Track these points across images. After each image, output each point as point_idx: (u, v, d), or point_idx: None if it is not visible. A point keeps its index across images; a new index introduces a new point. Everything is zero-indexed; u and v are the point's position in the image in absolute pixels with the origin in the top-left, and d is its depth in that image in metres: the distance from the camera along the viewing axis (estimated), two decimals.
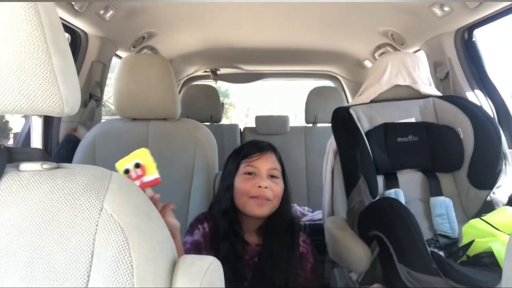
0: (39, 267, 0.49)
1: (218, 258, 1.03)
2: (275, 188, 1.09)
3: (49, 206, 0.51)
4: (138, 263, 0.50)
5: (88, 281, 0.49)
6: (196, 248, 1.09)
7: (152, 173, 0.93)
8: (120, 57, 2.09)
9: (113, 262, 0.49)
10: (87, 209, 0.51)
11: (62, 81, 0.56)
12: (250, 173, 1.09)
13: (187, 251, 1.08)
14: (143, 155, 0.94)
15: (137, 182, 0.93)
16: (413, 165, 1.48)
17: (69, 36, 1.73)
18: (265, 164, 1.10)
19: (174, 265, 0.55)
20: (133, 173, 0.93)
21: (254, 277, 1.06)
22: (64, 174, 0.55)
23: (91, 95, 1.86)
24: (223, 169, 1.21)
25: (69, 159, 1.51)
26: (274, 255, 1.07)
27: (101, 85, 1.94)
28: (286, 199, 1.14)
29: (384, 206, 1.10)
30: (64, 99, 0.56)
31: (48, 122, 1.67)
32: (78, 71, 1.78)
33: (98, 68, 1.87)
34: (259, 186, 1.06)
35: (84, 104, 1.84)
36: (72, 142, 1.66)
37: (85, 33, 1.74)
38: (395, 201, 1.07)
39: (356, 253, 1.14)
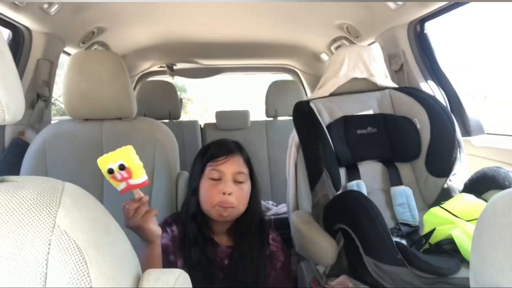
0: None
1: (188, 262, 0.99)
2: (240, 194, 1.05)
3: None
4: (98, 283, 0.46)
5: None
6: (164, 252, 1.05)
7: (140, 176, 0.88)
8: (68, 54, 1.97)
9: (70, 284, 0.45)
10: (38, 227, 0.46)
11: (1, 86, 0.50)
12: (215, 178, 1.05)
13: None
14: (126, 156, 0.87)
15: (123, 184, 0.88)
16: (373, 156, 1.51)
17: (10, 33, 1.60)
18: (231, 167, 1.06)
19: (138, 281, 0.51)
20: (117, 174, 0.86)
21: (225, 278, 1.04)
22: (8, 188, 0.49)
23: (39, 95, 1.73)
24: (191, 170, 1.16)
25: (17, 165, 1.40)
26: (244, 256, 1.05)
27: (49, 84, 1.81)
28: (254, 200, 1.11)
29: (348, 199, 1.11)
30: (5, 105, 0.50)
31: None
32: (23, 70, 1.65)
33: (44, 67, 1.74)
34: (223, 193, 1.03)
35: (31, 105, 1.71)
36: (19, 147, 1.54)
37: (28, 29, 1.61)
38: (359, 194, 1.09)
39: (323, 246, 1.15)
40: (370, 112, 1.55)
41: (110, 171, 0.86)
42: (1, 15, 1.42)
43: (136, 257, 0.56)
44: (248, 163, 1.12)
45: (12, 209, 0.47)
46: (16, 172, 1.38)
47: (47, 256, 0.45)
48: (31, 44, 1.65)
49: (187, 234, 1.06)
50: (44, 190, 0.50)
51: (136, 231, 0.89)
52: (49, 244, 0.46)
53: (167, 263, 1.01)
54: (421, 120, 1.46)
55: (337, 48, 2.35)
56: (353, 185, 1.41)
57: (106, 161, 0.87)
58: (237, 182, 1.06)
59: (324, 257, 1.15)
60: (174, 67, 3.02)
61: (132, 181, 0.87)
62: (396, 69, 1.93)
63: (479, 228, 0.56)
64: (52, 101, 1.96)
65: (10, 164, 1.48)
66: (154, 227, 0.90)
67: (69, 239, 0.46)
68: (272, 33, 2.37)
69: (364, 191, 1.40)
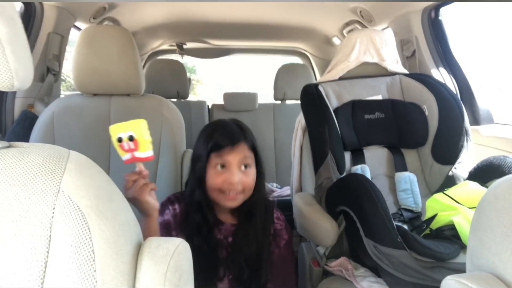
0: None
1: (187, 241, 1.01)
2: (246, 180, 1.04)
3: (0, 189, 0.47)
4: (100, 247, 0.47)
5: (45, 268, 0.46)
6: (165, 228, 1.07)
7: (146, 150, 0.90)
8: (79, 29, 1.97)
9: (73, 247, 0.46)
10: (43, 191, 0.47)
11: (10, 52, 0.50)
12: (221, 165, 1.04)
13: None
14: (137, 128, 0.90)
15: (128, 155, 0.90)
16: (379, 141, 1.50)
17: (22, 6, 1.60)
18: (237, 156, 1.03)
19: (139, 248, 0.53)
20: (125, 144, 0.90)
21: (229, 256, 1.05)
22: (16, 154, 0.51)
23: (49, 69, 1.75)
24: (192, 154, 1.14)
25: (25, 137, 1.42)
26: (248, 234, 1.05)
27: (59, 58, 1.82)
28: (260, 184, 1.10)
29: (351, 182, 1.11)
30: (14, 72, 0.51)
31: (1, 98, 1.56)
32: (34, 43, 1.66)
33: (55, 40, 1.75)
34: (230, 183, 1.02)
35: (41, 78, 1.73)
36: (28, 119, 1.57)
37: (40, 3, 1.62)
38: (361, 177, 1.09)
39: (324, 228, 1.16)
40: (379, 97, 1.54)
41: (119, 140, 0.89)
42: None
43: (138, 226, 0.57)
44: (253, 148, 1.10)
45: (19, 173, 0.48)
46: None
47: (51, 220, 0.47)
48: (42, 18, 1.65)
49: (190, 222, 1.06)
50: (50, 156, 0.51)
51: (133, 203, 0.91)
52: (54, 209, 0.47)
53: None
54: (430, 107, 1.45)
55: (349, 32, 2.31)
56: (358, 169, 1.41)
57: (118, 130, 0.90)
58: (243, 168, 1.05)
59: (324, 239, 1.16)
60: (184, 46, 3.01)
61: (137, 154, 0.90)
62: (408, 55, 1.90)
63: (479, 211, 0.57)
64: (62, 77, 1.97)
65: (19, 136, 1.50)
66: (151, 200, 0.92)
67: (73, 205, 0.48)
68: (284, 15, 2.34)
69: (368, 175, 1.40)
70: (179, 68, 2.67)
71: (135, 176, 0.91)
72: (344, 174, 1.37)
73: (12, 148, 0.53)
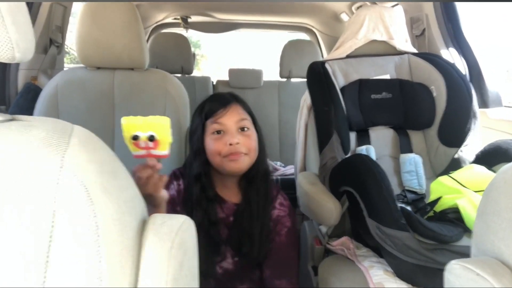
0: None
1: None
2: (248, 142, 1.03)
3: (2, 163, 0.46)
4: (104, 223, 0.47)
5: (50, 243, 0.46)
6: (170, 204, 1.04)
7: (165, 149, 0.82)
8: (82, 0, 1.93)
9: (77, 223, 0.46)
10: (46, 166, 0.47)
11: (11, 23, 0.49)
12: (218, 132, 1.03)
13: None
14: (163, 130, 0.81)
15: (143, 152, 0.83)
16: (385, 122, 1.48)
17: None
18: (232, 117, 1.02)
19: (143, 225, 0.53)
20: (142, 143, 0.81)
21: (230, 235, 1.05)
22: (19, 127, 0.50)
23: (52, 41, 1.72)
24: (189, 131, 1.13)
25: (29, 110, 1.41)
26: (250, 213, 1.04)
27: (62, 30, 1.80)
28: (261, 147, 1.09)
29: (355, 163, 1.11)
30: (15, 43, 0.50)
31: (5, 70, 1.54)
32: (36, 14, 1.63)
33: (58, 11, 1.72)
34: (230, 144, 1.00)
35: (44, 50, 1.70)
36: (32, 91, 1.56)
37: None
38: (366, 158, 1.08)
39: (327, 207, 1.16)
40: (387, 76, 1.51)
41: (135, 138, 0.80)
42: None
43: (143, 202, 0.57)
44: (249, 111, 1.09)
45: (21, 147, 0.48)
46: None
47: (55, 194, 0.46)
48: None
49: (189, 195, 1.05)
50: (53, 130, 0.50)
51: (146, 198, 0.87)
52: (57, 184, 0.46)
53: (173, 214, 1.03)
54: (438, 88, 1.42)
55: (358, 8, 2.26)
56: (363, 149, 1.40)
57: (134, 126, 0.81)
58: (242, 130, 1.03)
59: (327, 218, 1.16)
60: (189, 20, 2.95)
61: (154, 152, 0.82)
62: (418, 33, 1.86)
63: (486, 196, 0.56)
64: (66, 49, 1.94)
65: (22, 108, 1.50)
66: (163, 193, 0.88)
67: (77, 180, 0.47)
68: None
69: (373, 156, 1.40)
70: (184, 43, 2.62)
71: (149, 172, 0.83)
72: (349, 155, 1.36)
73: (15, 121, 0.52)
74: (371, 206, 0.99)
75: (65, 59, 1.96)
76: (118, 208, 0.49)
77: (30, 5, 1.59)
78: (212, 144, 1.03)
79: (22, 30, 0.51)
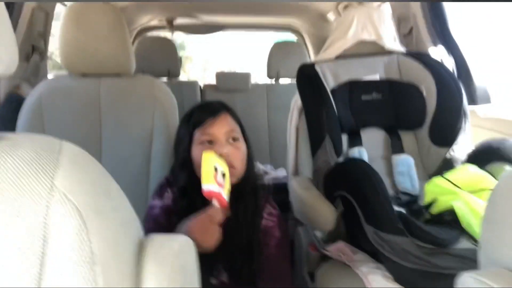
0: None
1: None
2: (237, 153, 0.98)
3: None
4: (99, 248, 0.44)
5: (41, 270, 0.43)
6: (166, 214, 1.00)
7: (227, 195, 0.86)
8: (65, 5, 1.88)
9: (71, 249, 0.43)
10: (35, 188, 0.43)
11: None
12: (209, 142, 0.97)
13: (156, 216, 1.00)
14: (227, 178, 0.88)
15: (215, 187, 0.84)
16: (376, 123, 1.48)
17: None
18: (221, 128, 0.98)
19: (140, 247, 0.50)
20: (218, 177, 0.85)
21: (221, 251, 1.00)
22: (4, 147, 0.46)
23: (34, 48, 1.67)
24: (175, 140, 1.09)
25: (12, 121, 1.36)
26: (240, 224, 0.99)
27: (44, 36, 1.74)
28: (249, 160, 1.04)
29: (351, 168, 1.10)
30: None
31: None
32: (17, 20, 1.58)
33: (39, 17, 1.66)
34: (220, 155, 0.94)
35: (26, 58, 1.65)
36: (15, 102, 1.50)
37: None
38: (362, 163, 1.07)
39: (322, 213, 1.14)
40: (376, 77, 1.51)
41: (215, 169, 0.85)
42: None
43: (138, 222, 0.54)
44: (238, 121, 1.04)
45: (8, 169, 0.44)
46: (12, 127, 1.35)
47: (45, 219, 0.43)
48: None
49: (177, 208, 0.99)
50: (41, 149, 0.47)
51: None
52: (47, 207, 0.43)
53: (169, 225, 0.95)
54: (428, 87, 1.42)
55: (344, 8, 2.25)
56: (355, 151, 1.39)
57: (215, 160, 0.87)
58: (231, 141, 0.99)
59: (323, 223, 1.15)
60: (174, 22, 2.91)
61: (223, 193, 0.84)
62: (405, 32, 1.86)
63: (491, 203, 0.55)
64: (48, 55, 1.89)
65: (5, 119, 1.44)
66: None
67: (69, 202, 0.44)
68: None
69: (366, 158, 1.39)
70: (170, 46, 2.59)
71: (219, 217, 0.84)
72: (341, 157, 1.35)
73: (0, 141, 0.48)
74: (368, 212, 0.98)
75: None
76: (113, 231, 0.46)
77: (10, 11, 1.53)
78: (199, 156, 0.95)
79: (4, 42, 0.47)
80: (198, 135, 0.99)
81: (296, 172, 1.50)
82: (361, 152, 1.40)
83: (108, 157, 1.33)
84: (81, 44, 1.31)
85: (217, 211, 0.84)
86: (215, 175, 0.84)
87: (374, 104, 1.46)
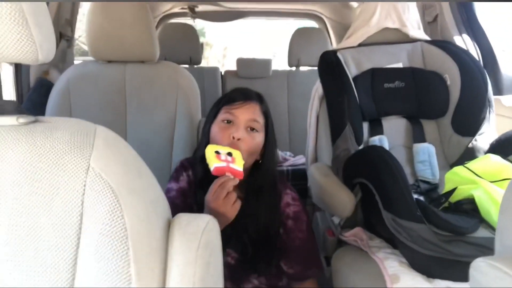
0: (23, 231, 0.46)
1: (197, 206, 0.98)
2: (250, 142, 0.99)
3: (29, 166, 0.47)
4: (132, 224, 0.47)
5: (78, 244, 0.46)
6: (182, 195, 1.04)
7: (239, 166, 0.92)
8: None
9: (106, 224, 0.46)
10: (73, 168, 0.47)
11: (34, 24, 0.49)
12: (228, 121, 1.01)
13: (173, 198, 1.03)
14: (236, 153, 0.94)
15: (223, 163, 0.90)
16: (398, 111, 1.47)
17: None
18: (246, 114, 1.00)
19: (168, 225, 0.53)
20: (222, 156, 0.91)
21: (234, 233, 0.99)
22: (43, 129, 0.50)
23: (61, 35, 1.72)
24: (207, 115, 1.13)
25: (42, 105, 1.42)
26: (255, 211, 1.01)
27: (71, 23, 1.79)
28: (269, 154, 1.06)
29: (371, 155, 1.10)
30: (38, 45, 0.50)
31: (17, 65, 1.55)
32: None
33: (67, 5, 1.71)
34: (233, 138, 0.97)
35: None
36: (44, 86, 1.56)
37: None
38: (382, 150, 1.07)
39: (341, 199, 1.16)
40: (399, 65, 1.49)
41: (217, 152, 0.92)
42: None
43: (166, 202, 0.57)
44: (266, 114, 1.06)
45: (48, 150, 0.48)
46: (42, 111, 1.40)
47: (83, 197, 0.47)
48: None
49: (193, 190, 1.03)
50: (78, 132, 0.51)
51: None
52: (84, 186, 0.47)
53: (185, 206, 1.01)
54: (452, 76, 1.40)
55: None
56: (375, 140, 1.39)
57: (216, 147, 0.94)
58: (249, 130, 1.01)
59: (341, 210, 1.16)
60: (196, 9, 2.92)
61: (232, 165, 0.91)
62: (430, 20, 1.82)
63: (510, 190, 0.55)
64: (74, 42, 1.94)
65: (35, 103, 1.50)
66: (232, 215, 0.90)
67: (104, 182, 0.47)
68: None
69: (386, 146, 1.39)
70: (192, 33, 2.61)
71: (229, 186, 0.88)
72: (362, 145, 1.35)
73: (38, 123, 0.52)
74: (386, 198, 0.99)
75: None
76: (144, 208, 0.49)
77: None
78: (217, 132, 1.01)
79: (44, 31, 0.51)
80: (222, 112, 1.03)
81: (316, 159, 1.51)
82: (382, 140, 1.40)
83: (133, 140, 1.37)
84: (107, 32, 1.35)
85: (227, 179, 0.88)
86: (219, 156, 0.91)
87: (397, 92, 1.45)
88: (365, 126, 1.43)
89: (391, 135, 1.44)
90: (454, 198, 1.07)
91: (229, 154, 0.92)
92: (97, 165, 0.48)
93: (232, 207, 0.89)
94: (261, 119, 1.04)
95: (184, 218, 0.54)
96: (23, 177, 0.46)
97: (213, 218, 0.56)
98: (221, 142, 0.98)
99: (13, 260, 0.45)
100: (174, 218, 0.55)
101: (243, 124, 1.00)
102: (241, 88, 1.09)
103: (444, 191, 1.15)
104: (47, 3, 1.60)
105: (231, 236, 0.99)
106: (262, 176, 1.05)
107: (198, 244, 0.51)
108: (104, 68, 1.43)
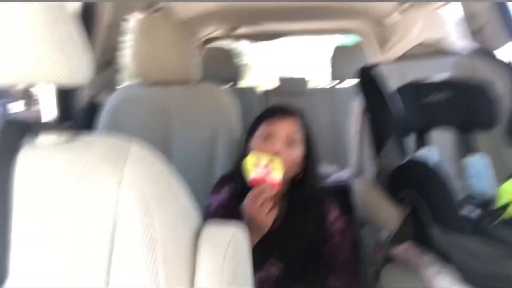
0: (62, 240, 0.49)
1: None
2: (288, 155, 1.01)
3: (66, 180, 0.50)
4: (162, 234, 0.49)
5: (111, 252, 0.49)
6: (223, 208, 1.06)
7: (279, 174, 0.95)
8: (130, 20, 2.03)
9: (137, 234, 0.49)
10: (106, 180, 0.50)
11: (71, 48, 0.53)
12: (267, 135, 1.03)
13: (215, 211, 1.06)
14: (277, 160, 0.97)
15: (260, 175, 0.95)
16: (445, 123, 1.42)
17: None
18: (285, 128, 1.03)
19: (198, 234, 0.55)
20: (260, 168, 0.95)
21: (276, 245, 1.01)
22: (81, 145, 0.54)
23: (109, 60, 1.84)
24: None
25: (91, 127, 1.51)
26: (299, 227, 1.02)
27: (117, 49, 1.91)
28: (310, 167, 1.08)
29: (417, 167, 1.08)
30: (76, 67, 0.53)
31: (72, 89, 1.66)
32: (95, 35, 1.74)
33: (113, 32, 1.83)
34: (272, 150, 1.00)
35: (104, 68, 1.82)
36: (94, 109, 1.66)
37: None
38: (429, 163, 1.04)
39: (387, 214, 1.13)
40: (443, 76, 1.45)
41: (255, 163, 0.96)
42: None
43: (196, 212, 0.59)
44: (305, 128, 1.08)
45: (83, 164, 0.51)
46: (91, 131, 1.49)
47: (116, 208, 0.49)
48: (100, 11, 1.72)
49: (234, 201, 1.04)
50: (112, 147, 0.54)
51: (251, 224, 0.90)
52: (117, 197, 0.50)
53: (227, 218, 1.02)
54: (502, 86, 1.35)
55: (408, 8, 2.19)
56: (423, 152, 1.35)
57: (252, 158, 0.98)
58: (288, 144, 1.03)
59: (388, 224, 1.13)
60: (236, 32, 3.01)
61: (269, 176, 0.94)
62: (475, 30, 1.77)
63: None
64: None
65: (86, 124, 1.60)
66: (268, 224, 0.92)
67: (135, 193, 0.50)
68: None
69: (436, 158, 1.34)
70: (232, 55, 2.70)
71: (264, 197, 0.92)
72: (407, 158, 1.32)
73: (78, 140, 0.56)
74: (435, 212, 0.95)
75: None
76: (174, 219, 0.52)
77: (89, 27, 1.69)
78: (256, 145, 1.04)
79: (79, 55, 0.54)
80: (261, 128, 1.05)
81: (359, 174, 1.49)
82: (430, 153, 1.35)
83: (178, 157, 1.43)
84: (152, 56, 1.45)
85: (264, 187, 0.92)
86: (257, 168, 0.95)
87: (442, 104, 1.41)
88: (411, 139, 1.40)
89: (440, 148, 1.39)
90: (510, 211, 1.02)
91: (269, 163, 0.94)
92: (129, 178, 0.51)
93: (267, 216, 0.91)
94: (300, 133, 1.05)
95: (212, 228, 0.56)
96: (61, 190, 0.50)
97: (243, 228, 0.57)
98: None
99: (54, 266, 0.49)
100: (204, 228, 0.56)
101: (281, 138, 1.02)
102: (280, 104, 1.12)
103: (499, 205, 1.09)
104: (97, 32, 1.71)
105: (275, 247, 0.99)
106: (305, 191, 1.05)
107: (224, 254, 0.52)
108: (149, 90, 1.51)
